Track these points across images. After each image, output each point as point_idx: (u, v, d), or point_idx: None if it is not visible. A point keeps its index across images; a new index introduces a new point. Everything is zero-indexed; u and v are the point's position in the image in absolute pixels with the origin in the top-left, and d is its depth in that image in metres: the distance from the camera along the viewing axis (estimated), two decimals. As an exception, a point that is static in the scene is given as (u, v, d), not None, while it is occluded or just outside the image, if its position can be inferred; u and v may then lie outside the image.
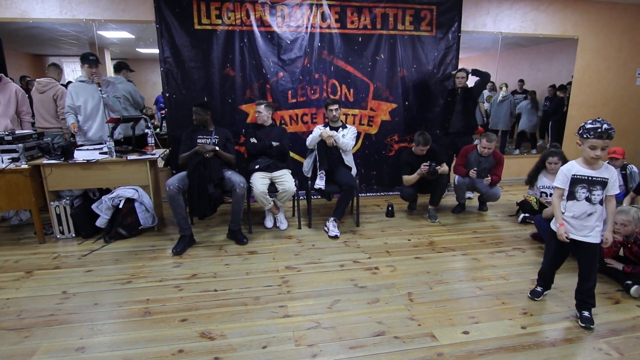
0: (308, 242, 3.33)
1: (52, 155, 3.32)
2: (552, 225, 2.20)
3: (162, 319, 2.22)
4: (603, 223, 2.10)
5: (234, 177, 3.23)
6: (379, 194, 4.79)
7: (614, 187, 2.00)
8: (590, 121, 1.96)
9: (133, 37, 4.46)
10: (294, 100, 4.30)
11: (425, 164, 3.63)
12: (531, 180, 3.79)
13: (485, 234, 3.53)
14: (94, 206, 3.33)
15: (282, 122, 4.31)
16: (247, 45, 4.09)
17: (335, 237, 3.41)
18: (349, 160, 3.73)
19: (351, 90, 4.40)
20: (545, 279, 2.39)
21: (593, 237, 2.05)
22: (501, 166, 3.87)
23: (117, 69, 4.24)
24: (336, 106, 3.67)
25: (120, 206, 3.31)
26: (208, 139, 3.35)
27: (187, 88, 4.07)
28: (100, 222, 3.33)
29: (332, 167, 3.61)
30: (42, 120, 4.07)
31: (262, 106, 3.59)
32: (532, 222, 3.50)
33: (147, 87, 6.35)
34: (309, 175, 3.73)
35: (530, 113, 6.47)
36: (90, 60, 3.55)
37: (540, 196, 3.68)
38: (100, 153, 3.37)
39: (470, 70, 4.29)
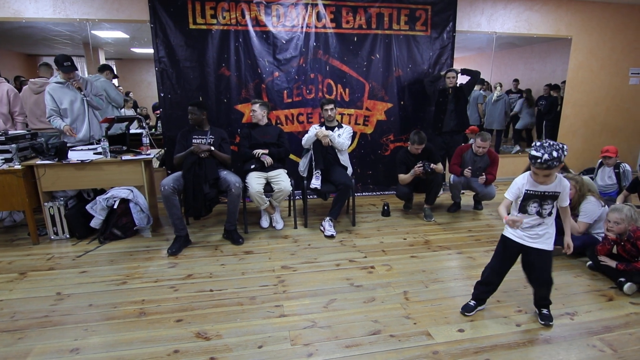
0: (304, 241, 3.33)
1: (45, 156, 3.29)
2: (504, 233, 2.14)
3: (157, 319, 2.21)
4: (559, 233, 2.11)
5: (230, 177, 3.23)
6: (374, 193, 4.80)
7: (565, 199, 1.99)
8: (537, 145, 1.84)
9: (127, 36, 4.44)
10: (290, 100, 4.30)
11: (419, 164, 3.64)
12: (526, 178, 3.81)
13: (480, 232, 3.55)
14: (88, 207, 3.31)
15: (278, 121, 4.30)
16: (243, 45, 4.08)
17: (332, 236, 3.41)
18: (344, 159, 3.74)
19: (347, 90, 4.41)
20: (483, 291, 2.24)
21: (546, 245, 2.03)
22: (496, 165, 3.89)
23: (101, 70, 4.19)
24: (332, 106, 3.67)
25: (115, 207, 3.29)
26: (203, 138, 3.34)
27: (182, 88, 4.06)
28: (95, 223, 3.31)
29: (328, 166, 3.61)
30: (37, 121, 4.03)
31: (257, 105, 3.59)
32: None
33: (142, 87, 6.31)
34: (305, 175, 3.73)
35: (526, 111, 6.53)
36: (65, 67, 3.40)
37: (535, 195, 3.70)
38: (94, 153, 3.35)
39: (459, 70, 4.33)
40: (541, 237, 2.03)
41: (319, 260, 2.97)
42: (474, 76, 4.34)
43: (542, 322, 2.14)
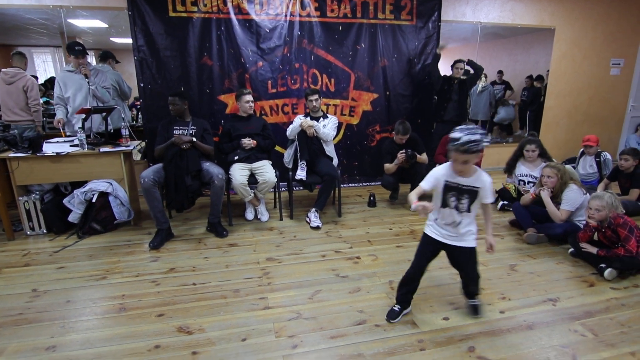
0: (289, 233, 3.30)
1: (19, 148, 3.16)
2: (426, 231, 2.04)
3: (138, 314, 2.15)
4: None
5: (212, 168, 3.16)
6: (361, 184, 4.78)
7: (487, 196, 1.87)
8: (461, 127, 1.74)
9: (106, 25, 4.28)
10: (274, 91, 4.22)
11: (401, 151, 3.63)
12: (510, 168, 3.85)
13: (465, 222, 3.56)
14: (65, 201, 3.20)
15: (263, 112, 4.23)
16: (225, 33, 3.97)
17: (317, 227, 3.38)
18: (330, 150, 3.70)
19: (332, 80, 4.35)
20: (406, 292, 2.10)
21: (468, 242, 1.94)
22: (480, 155, 3.90)
23: (104, 58, 4.07)
24: (316, 96, 3.62)
25: (94, 200, 3.19)
26: (185, 129, 3.26)
27: (162, 78, 3.94)
28: (73, 218, 3.20)
29: (313, 157, 3.57)
30: (10, 112, 3.88)
31: (250, 96, 3.52)
32: (511, 209, 3.55)
33: (123, 78, 6.10)
34: (290, 166, 3.69)
35: (503, 107, 6.63)
36: (76, 50, 3.39)
37: (519, 184, 3.74)
38: (71, 145, 3.23)
39: (466, 61, 4.38)
40: (462, 236, 1.93)
41: (304, 251, 2.94)
42: (478, 71, 4.41)
43: (470, 314, 2.11)
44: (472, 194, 1.86)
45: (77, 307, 2.23)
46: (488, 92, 6.63)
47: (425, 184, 1.91)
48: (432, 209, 1.80)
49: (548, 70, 5.64)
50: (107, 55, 4.08)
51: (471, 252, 1.98)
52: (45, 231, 3.28)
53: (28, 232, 3.25)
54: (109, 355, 1.83)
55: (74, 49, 3.39)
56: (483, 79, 6.61)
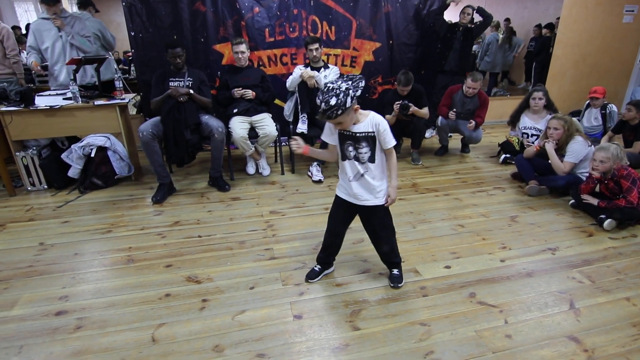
0: (292, 187, 3.30)
1: (10, 102, 3.05)
2: (337, 192, 1.90)
3: (146, 265, 2.19)
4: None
5: (211, 121, 3.08)
6: (362, 138, 4.71)
7: (387, 140, 1.68)
8: (322, 89, 1.58)
9: (88, -33, 3.97)
10: (272, 39, 4.02)
11: (397, 102, 3.55)
12: (513, 120, 3.79)
13: (467, 174, 3.57)
14: (63, 156, 3.15)
15: (260, 63, 4.06)
16: (218, -25, 3.70)
17: (319, 181, 3.37)
18: (331, 102, 3.60)
19: (332, 28, 4.13)
20: (326, 255, 2.03)
21: (377, 200, 1.79)
22: (485, 108, 3.81)
23: (83, 4, 3.81)
24: (317, 45, 3.45)
25: (92, 155, 3.14)
26: (181, 81, 3.13)
27: (153, 26, 3.72)
28: (73, 173, 3.17)
29: (315, 109, 3.48)
30: None
31: (244, 45, 3.35)
32: (513, 162, 3.54)
33: (110, 29, 5.83)
34: (291, 120, 3.61)
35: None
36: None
37: (522, 137, 3.69)
38: (64, 99, 3.12)
39: (475, 8, 4.11)
40: (371, 192, 1.78)
41: (307, 204, 2.95)
42: (487, 20, 4.14)
43: (392, 285, 1.96)
44: (370, 140, 1.69)
45: (86, 259, 2.27)
46: (495, 43, 6.38)
47: (324, 137, 1.81)
48: (304, 148, 1.77)
49: (558, 18, 5.38)
50: (86, 3, 3.81)
51: (380, 208, 1.81)
52: (46, 187, 3.26)
53: (29, 188, 3.23)
54: (121, 303, 1.88)
55: None
56: (502, 29, 6.35)
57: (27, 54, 3.43)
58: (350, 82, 1.57)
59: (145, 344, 1.63)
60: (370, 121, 1.68)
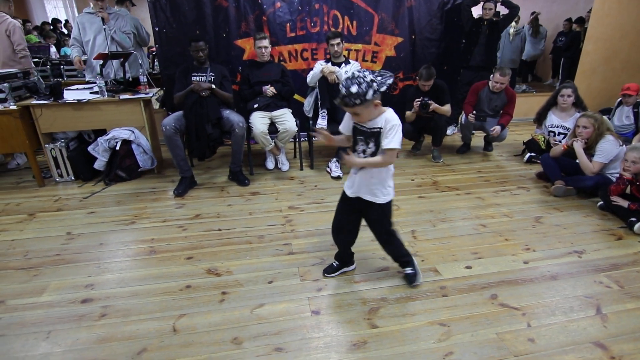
0: (310, 182, 3.30)
1: (40, 95, 3.16)
2: (344, 187, 1.84)
3: (168, 257, 2.24)
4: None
5: (233, 116, 3.11)
6: (381, 135, 4.66)
7: (386, 137, 1.59)
8: (349, 75, 1.53)
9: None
10: (293, 34, 4.02)
11: (417, 99, 3.48)
12: (540, 118, 3.67)
13: (489, 173, 3.49)
14: (90, 148, 3.25)
15: (281, 58, 4.06)
16: (240, -29, 3.72)
17: (338, 177, 3.36)
18: (352, 98, 3.57)
19: (354, 23, 4.09)
20: (341, 249, 2.02)
21: (374, 197, 1.73)
22: (513, 103, 3.71)
23: (121, 0, 3.90)
24: (338, 40, 3.43)
25: (117, 148, 3.22)
26: (203, 76, 3.17)
27: (177, 21, 3.77)
28: (99, 165, 3.27)
29: (335, 105, 3.46)
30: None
31: (266, 40, 3.35)
32: (538, 161, 3.44)
33: (135, 24, 5.85)
34: (310, 115, 3.60)
35: (530, 40, 6.28)
36: None
37: (548, 135, 3.58)
38: (91, 93, 3.21)
39: (499, 0, 3.99)
40: (370, 188, 1.72)
41: (325, 200, 2.95)
42: (513, 11, 3.99)
43: (407, 283, 1.94)
44: (377, 136, 1.64)
45: (110, 249, 2.34)
46: (520, 37, 6.18)
47: (341, 126, 1.77)
48: (333, 139, 1.73)
49: (589, 12, 5.17)
50: None
51: (380, 208, 1.75)
52: (73, 178, 3.37)
53: (57, 179, 3.35)
54: (143, 293, 1.93)
55: None
56: (513, 23, 6.10)
57: (71, 46, 3.55)
58: (377, 76, 1.54)
59: (166, 334, 1.67)
60: (383, 117, 1.62)
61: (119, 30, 3.44)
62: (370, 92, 1.50)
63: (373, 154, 1.68)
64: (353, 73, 1.54)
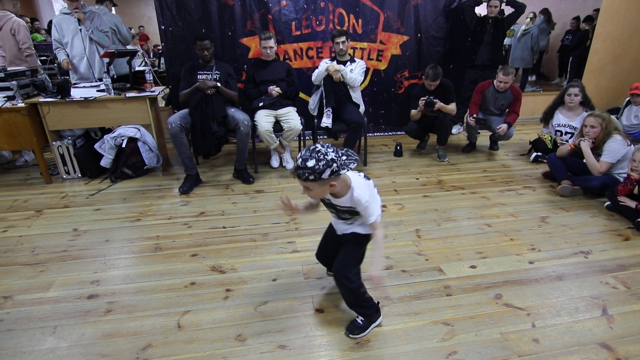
0: (315, 181, 3.30)
1: (48, 93, 3.19)
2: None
3: (173, 254, 2.25)
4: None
5: (238, 114, 3.12)
6: (387, 133, 4.66)
7: (367, 215, 1.49)
8: (310, 147, 1.35)
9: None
10: (298, 33, 4.02)
11: (422, 98, 3.47)
12: (547, 117, 3.64)
13: (495, 172, 3.46)
14: (96, 146, 3.28)
15: (286, 57, 4.06)
16: (246, -31, 3.72)
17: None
18: (357, 97, 3.57)
19: (359, 21, 4.08)
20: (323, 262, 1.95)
21: (359, 229, 1.62)
22: (519, 102, 3.68)
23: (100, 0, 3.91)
24: (343, 38, 3.42)
25: (124, 145, 3.24)
26: (209, 74, 3.18)
27: (183, 20, 3.79)
28: (105, 162, 3.29)
29: (340, 104, 3.46)
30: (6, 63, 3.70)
31: (272, 40, 3.35)
32: (545, 161, 3.41)
33: (141, 22, 5.94)
34: (315, 113, 3.60)
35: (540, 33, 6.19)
36: None
37: (555, 134, 3.55)
38: (97, 91, 3.23)
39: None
40: (354, 227, 1.62)
41: (330, 199, 2.95)
42: (519, 9, 3.95)
43: (346, 331, 1.66)
44: (352, 213, 1.55)
45: (116, 246, 2.36)
46: (530, 36, 6.12)
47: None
48: (296, 210, 1.62)
49: (597, 10, 5.11)
50: None
51: (357, 237, 1.61)
52: (79, 175, 3.40)
53: (64, 176, 3.38)
54: (148, 290, 1.94)
55: None
56: (527, 20, 6.05)
57: (55, 49, 3.50)
58: (342, 156, 1.39)
59: (171, 330, 1.68)
60: (348, 198, 1.47)
61: (96, 29, 3.41)
62: (327, 172, 1.33)
63: (353, 221, 1.61)
64: (315, 147, 1.36)
